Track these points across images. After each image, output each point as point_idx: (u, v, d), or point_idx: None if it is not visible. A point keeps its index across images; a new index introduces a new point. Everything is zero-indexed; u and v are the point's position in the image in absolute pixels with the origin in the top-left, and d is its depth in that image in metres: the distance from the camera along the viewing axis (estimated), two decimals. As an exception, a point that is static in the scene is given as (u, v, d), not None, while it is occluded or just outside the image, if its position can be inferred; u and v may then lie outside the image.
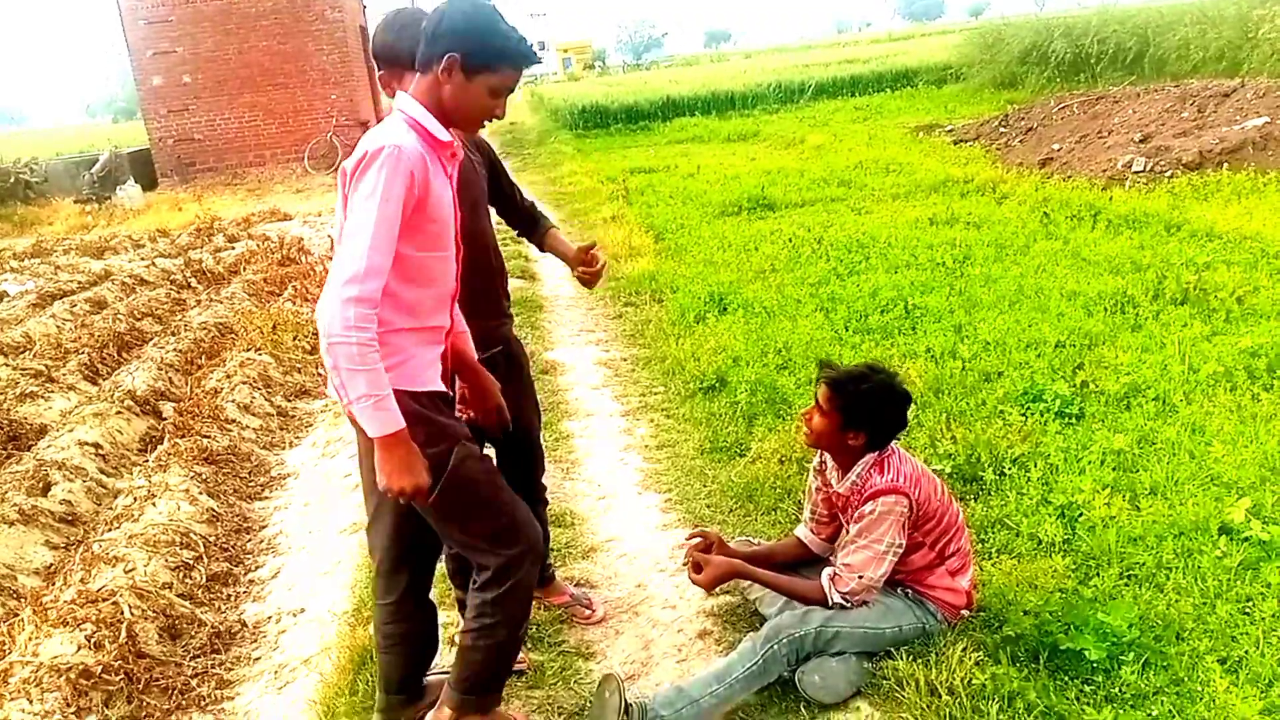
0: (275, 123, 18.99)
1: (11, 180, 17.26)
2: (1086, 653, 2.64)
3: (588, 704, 2.60)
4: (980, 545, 3.39)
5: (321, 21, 18.73)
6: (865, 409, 2.68)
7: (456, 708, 2.45)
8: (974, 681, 2.50)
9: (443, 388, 2.32)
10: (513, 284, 7.82)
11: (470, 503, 2.30)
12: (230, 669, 3.35)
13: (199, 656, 3.42)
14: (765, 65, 33.13)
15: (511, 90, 2.28)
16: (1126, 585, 3.04)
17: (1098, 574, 3.10)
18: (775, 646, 2.59)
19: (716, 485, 4.03)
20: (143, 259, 10.91)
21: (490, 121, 2.30)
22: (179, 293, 9.16)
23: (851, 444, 2.73)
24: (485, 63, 2.19)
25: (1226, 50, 14.97)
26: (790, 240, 8.31)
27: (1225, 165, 9.18)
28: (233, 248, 11.36)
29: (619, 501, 4.04)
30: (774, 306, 6.45)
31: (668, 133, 20.36)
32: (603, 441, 4.67)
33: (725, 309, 6.55)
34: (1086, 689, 2.58)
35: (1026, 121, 13.64)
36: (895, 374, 2.83)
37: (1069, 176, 10.07)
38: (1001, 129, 13.87)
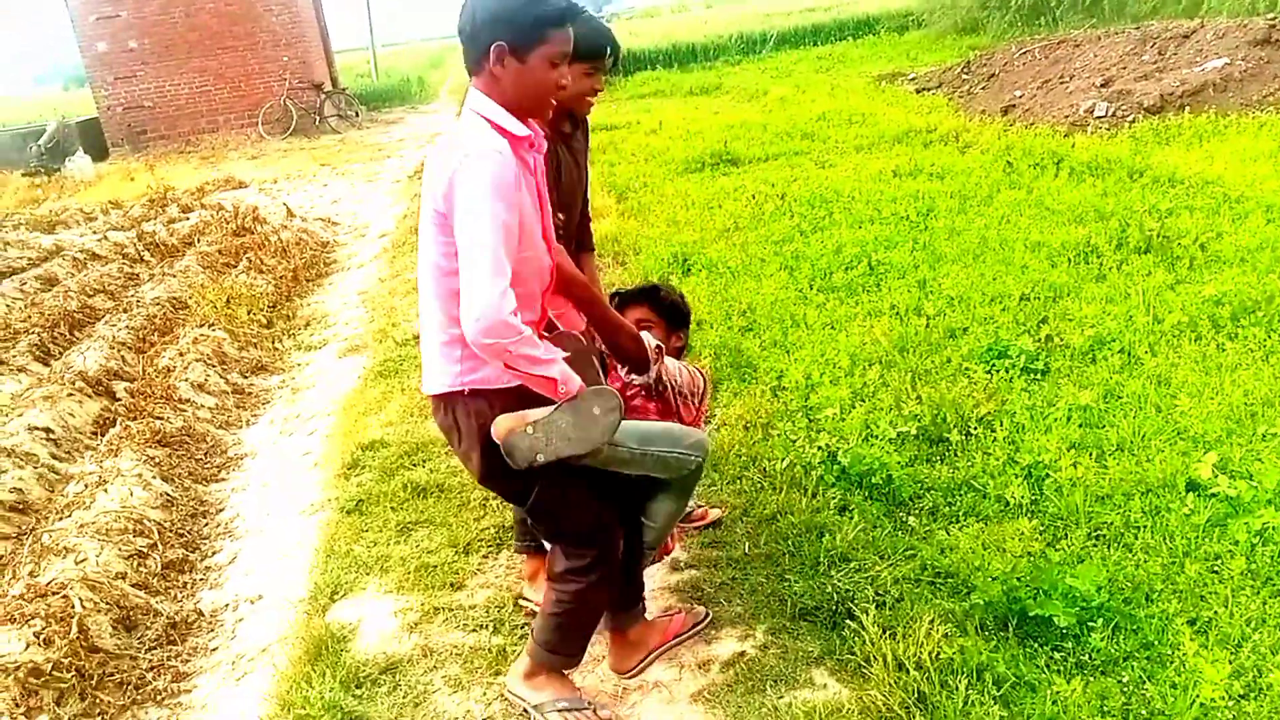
0: (227, 87, 18.48)
1: (-46, 154, 16.71)
2: (1055, 619, 2.62)
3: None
4: (947, 508, 3.37)
5: (269, -20, 18.17)
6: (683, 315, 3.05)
7: (535, 660, 2.56)
8: (942, 655, 2.47)
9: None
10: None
11: (562, 499, 2.37)
12: (187, 660, 3.26)
13: (154, 649, 3.33)
14: (727, 15, 32.66)
15: (569, 53, 2.15)
16: (1095, 546, 3.03)
17: (1066, 536, 3.08)
18: None
19: (681, 454, 3.96)
20: (94, 232, 10.60)
21: (555, 98, 2.18)
22: (132, 267, 8.90)
23: (677, 345, 3.03)
24: (533, 38, 2.08)
25: (1187, -9, 14.89)
26: (754, 197, 8.20)
27: (1186, 108, 9.15)
28: (187, 218, 11.05)
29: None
30: (738, 266, 6.36)
31: (629, 87, 20.02)
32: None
33: (689, 270, 6.45)
34: (1056, 656, 2.56)
35: (989, 68, 13.52)
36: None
37: (1031, 124, 10.00)
38: (964, 76, 13.76)
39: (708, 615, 2.88)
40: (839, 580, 2.91)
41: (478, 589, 3.17)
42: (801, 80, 17.01)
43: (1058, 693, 2.38)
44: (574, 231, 2.91)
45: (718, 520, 3.40)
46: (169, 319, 6.91)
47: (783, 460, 3.70)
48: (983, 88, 12.79)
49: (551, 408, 2.15)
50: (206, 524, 4.22)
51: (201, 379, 5.57)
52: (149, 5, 17.83)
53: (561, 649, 2.54)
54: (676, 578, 3.15)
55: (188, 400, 5.31)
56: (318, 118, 18.50)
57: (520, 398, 2.19)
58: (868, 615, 2.64)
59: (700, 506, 3.43)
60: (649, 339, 2.71)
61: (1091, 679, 2.44)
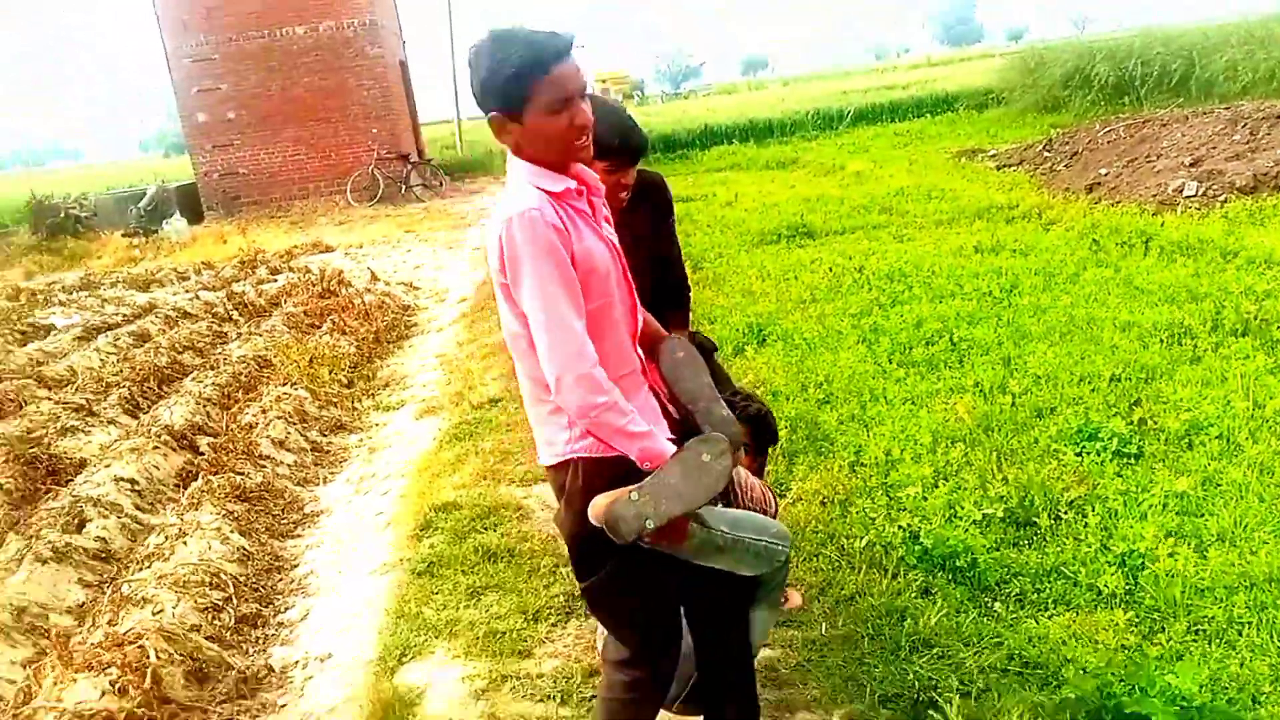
0: (318, 156, 19.25)
1: (62, 215, 17.62)
2: (1153, 718, 2.46)
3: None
4: (1036, 595, 3.23)
5: (362, 57, 19.00)
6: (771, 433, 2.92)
7: None
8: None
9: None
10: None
11: (625, 586, 2.23)
12: (256, 716, 3.26)
13: (225, 702, 3.34)
14: (803, 93, 33.07)
15: (570, 94, 2.01)
16: (1195, 642, 2.86)
17: (1163, 629, 2.92)
18: None
19: (756, 528, 3.88)
20: (186, 291, 11.03)
21: (580, 140, 2.05)
22: (220, 325, 9.21)
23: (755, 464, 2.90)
24: (518, 96, 2.00)
25: (1277, 71, 14.61)
26: (831, 269, 8.16)
27: (1281, 188, 8.89)
28: (275, 280, 11.45)
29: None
30: (814, 338, 6.30)
31: (706, 161, 20.32)
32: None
33: (764, 340, 6.41)
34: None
35: (1071, 146, 13.37)
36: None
37: (1117, 202, 9.82)
38: (1045, 153, 13.62)
39: None
40: (921, 666, 2.79)
41: (545, 658, 3.12)
42: (879, 155, 17.04)
43: (1160, 800, 2.23)
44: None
45: (801, 605, 3.23)
46: (253, 377, 7.10)
47: (861, 539, 3.59)
48: (1066, 165, 12.64)
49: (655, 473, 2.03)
50: (280, 579, 4.26)
51: (282, 436, 5.68)
52: (248, 79, 18.78)
53: None
54: (750, 656, 3.05)
55: (268, 456, 5.41)
56: (404, 186, 19.13)
57: (624, 466, 2.07)
58: (951, 706, 2.52)
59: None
60: None
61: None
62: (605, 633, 2.54)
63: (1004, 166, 13.87)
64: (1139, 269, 7.03)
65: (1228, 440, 4.08)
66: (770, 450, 2.94)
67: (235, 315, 9.62)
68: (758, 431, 2.83)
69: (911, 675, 2.75)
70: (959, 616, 3.08)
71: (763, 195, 13.59)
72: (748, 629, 2.46)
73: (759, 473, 2.89)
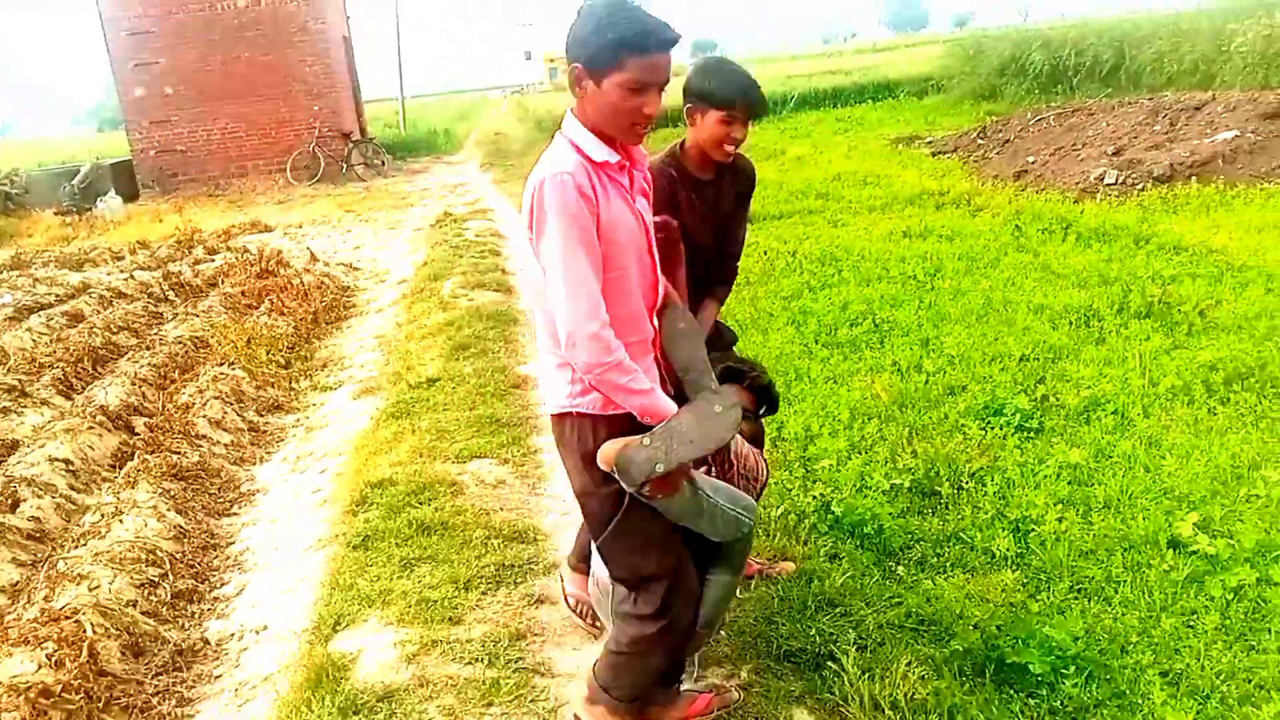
0: (258, 134, 18.97)
1: (-9, 191, 17.20)
2: (1031, 666, 2.70)
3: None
4: (935, 559, 3.46)
5: (304, 33, 18.73)
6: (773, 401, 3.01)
7: (592, 690, 2.59)
8: (917, 695, 2.54)
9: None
10: (486, 296, 7.92)
11: (637, 537, 2.34)
12: (192, 687, 3.36)
13: (161, 674, 3.42)
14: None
15: (656, 83, 2.09)
16: (1075, 599, 3.10)
17: (1047, 588, 3.16)
18: None
19: (679, 500, 4.05)
20: (121, 271, 10.88)
21: (641, 126, 2.13)
22: (156, 306, 9.14)
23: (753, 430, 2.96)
24: (607, 62, 2.06)
25: (1200, 63, 15.12)
26: (765, 253, 8.37)
27: (1195, 178, 9.30)
28: (212, 260, 11.34)
29: (580, 517, 4.06)
30: (747, 320, 6.50)
31: (651, 143, 20.38)
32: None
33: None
34: (1031, 702, 2.63)
35: (1004, 134, 13.76)
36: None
37: (1043, 189, 10.18)
38: (979, 141, 13.99)
39: (739, 698, 2.77)
40: (824, 624, 2.99)
41: (475, 623, 3.27)
42: (820, 141, 17.30)
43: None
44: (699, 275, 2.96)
45: (793, 571, 3.35)
46: (190, 357, 7.10)
47: (778, 508, 3.79)
48: (997, 153, 13.01)
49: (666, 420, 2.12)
50: (217, 556, 4.34)
51: (219, 416, 5.72)
52: (187, 54, 18.41)
53: (613, 689, 2.53)
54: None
55: (204, 436, 5.46)
56: (345, 166, 18.95)
57: (628, 423, 2.18)
58: (848, 657, 2.72)
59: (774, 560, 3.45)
60: None
61: (1068, 724, 2.51)
62: (595, 589, 2.70)
63: (939, 153, 14.21)
64: (1056, 254, 7.34)
65: (1122, 415, 4.35)
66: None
67: (171, 296, 9.54)
68: (761, 400, 2.93)
69: (814, 631, 2.95)
70: (863, 579, 3.29)
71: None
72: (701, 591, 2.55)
73: (759, 439, 3.00)
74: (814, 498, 3.80)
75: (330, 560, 3.89)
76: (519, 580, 3.52)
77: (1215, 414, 4.29)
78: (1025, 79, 18.80)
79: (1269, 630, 2.83)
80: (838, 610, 3.06)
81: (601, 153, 2.15)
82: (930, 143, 15.32)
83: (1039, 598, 3.11)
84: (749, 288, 7.34)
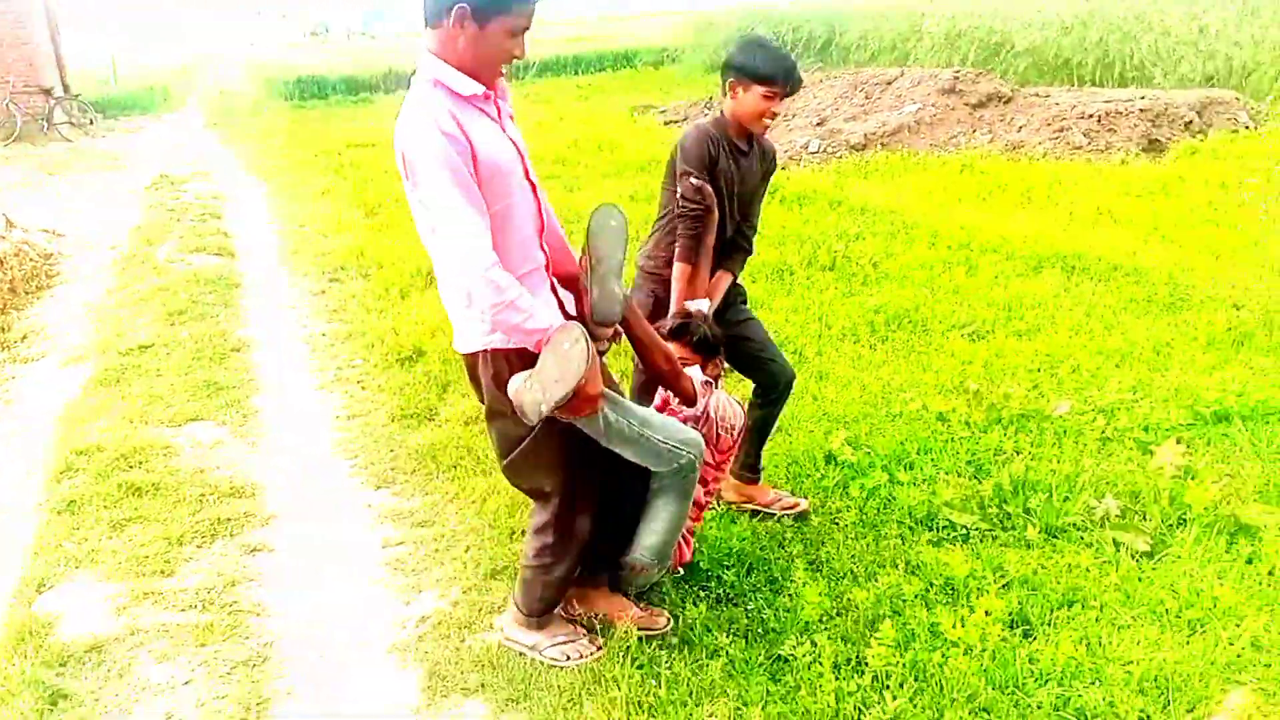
0: (-60, 87, 16.80)
1: None
2: (700, 563, 3.13)
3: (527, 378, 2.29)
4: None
5: (-11, -24, 16.74)
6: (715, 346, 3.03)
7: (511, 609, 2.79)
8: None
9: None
10: (205, 261, 7.63)
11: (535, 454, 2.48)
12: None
13: None
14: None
15: (527, 27, 2.21)
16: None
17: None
18: None
19: (403, 449, 4.24)
20: None
21: (509, 63, 2.25)
22: None
23: (712, 374, 3.02)
24: (496, 7, 2.14)
25: (898, 42, 16.77)
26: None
27: (884, 147, 10.40)
28: (-118, 226, 10.07)
29: (304, 470, 4.16)
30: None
31: (390, 105, 19.95)
32: (293, 414, 4.74)
33: (431, 282, 6.72)
34: (701, 592, 3.06)
35: (728, 104, 14.64)
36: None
37: (757, 156, 11.00)
38: (706, 111, 14.80)
39: (667, 625, 2.86)
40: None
41: (190, 574, 3.31)
42: (561, 108, 17.62)
43: (693, 617, 2.87)
44: (719, 244, 3.13)
45: (805, 511, 3.50)
46: None
47: (494, 449, 4.07)
48: (720, 122, 13.84)
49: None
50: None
51: (-104, 392, 5.25)
52: None
53: (522, 603, 2.72)
54: (386, 555, 3.43)
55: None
56: (46, 124, 17.18)
57: (530, 355, 2.27)
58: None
59: (790, 495, 3.57)
60: (697, 374, 2.84)
61: (723, 609, 2.95)
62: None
63: (670, 122, 14.91)
64: (763, 217, 8.02)
65: (800, 354, 4.96)
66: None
67: None
68: (703, 348, 2.95)
69: (511, 553, 3.25)
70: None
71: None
72: (638, 513, 2.66)
73: (718, 379, 3.04)
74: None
75: (35, 527, 3.76)
76: (235, 533, 3.59)
77: (875, 350, 4.99)
78: (753, 53, 19.96)
79: (893, 520, 3.42)
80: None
81: (469, 86, 2.22)
82: (664, 112, 16.01)
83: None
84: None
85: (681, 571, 3.06)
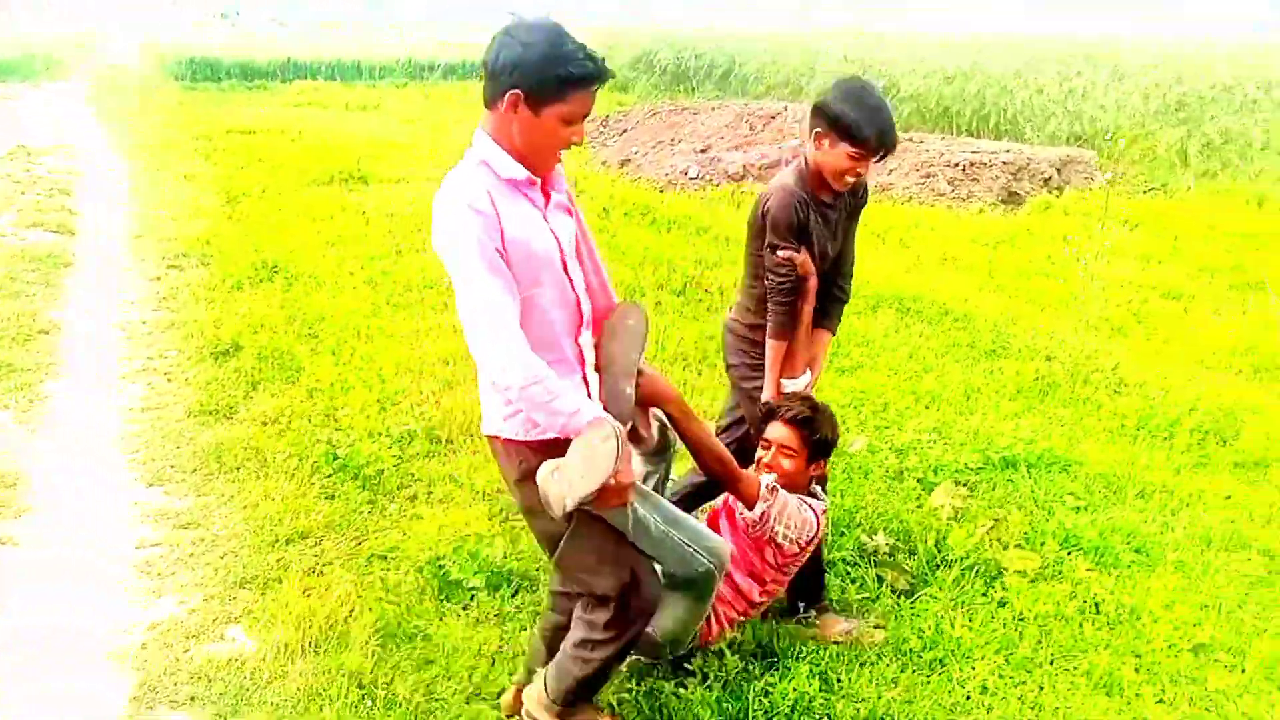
0: None
1: None
2: (465, 580, 3.09)
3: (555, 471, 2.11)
4: (427, 497, 3.77)
5: None
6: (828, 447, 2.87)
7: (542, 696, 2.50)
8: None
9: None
10: (40, 238, 7.26)
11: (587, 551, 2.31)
12: None
13: None
14: (409, 39, 32.65)
15: (588, 114, 2.10)
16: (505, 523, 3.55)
17: (507, 518, 3.58)
18: None
19: (190, 447, 4.08)
20: None
21: (567, 149, 2.13)
22: None
23: (813, 474, 2.87)
24: (553, 95, 2.03)
25: (792, 76, 17.16)
26: (364, 213, 8.41)
27: (760, 179, 10.58)
28: None
29: (78, 463, 3.96)
30: (326, 278, 6.53)
31: (287, 94, 19.47)
32: (86, 404, 4.52)
33: (275, 276, 6.52)
34: (466, 612, 3.01)
35: (624, 124, 14.74)
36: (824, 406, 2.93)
37: (638, 178, 11.07)
38: (601, 129, 14.86)
39: None
40: (296, 554, 3.20)
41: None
42: (474, 110, 17.46)
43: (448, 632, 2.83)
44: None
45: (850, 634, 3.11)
46: None
47: (286, 454, 3.95)
48: (614, 141, 13.92)
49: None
50: None
51: None
52: None
53: (550, 688, 2.48)
54: (137, 556, 3.28)
55: None
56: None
57: (557, 446, 2.12)
58: (298, 583, 2.95)
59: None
60: (765, 479, 2.66)
61: (495, 627, 2.92)
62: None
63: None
64: (630, 237, 8.07)
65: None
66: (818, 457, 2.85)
67: None
68: (817, 448, 2.79)
69: (284, 561, 3.15)
70: (354, 514, 3.55)
71: (331, 136, 13.42)
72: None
73: (821, 482, 2.88)
74: (327, 444, 4.00)
75: None
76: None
77: (700, 375, 5.05)
78: (653, 75, 20.19)
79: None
80: (308, 541, 3.29)
81: (512, 170, 2.11)
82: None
83: (491, 522, 3.53)
84: (340, 247, 7.36)
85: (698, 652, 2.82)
